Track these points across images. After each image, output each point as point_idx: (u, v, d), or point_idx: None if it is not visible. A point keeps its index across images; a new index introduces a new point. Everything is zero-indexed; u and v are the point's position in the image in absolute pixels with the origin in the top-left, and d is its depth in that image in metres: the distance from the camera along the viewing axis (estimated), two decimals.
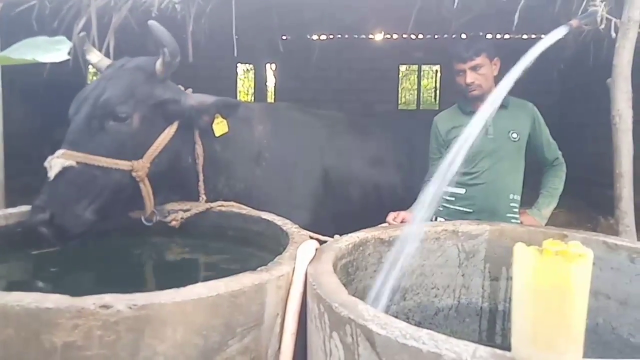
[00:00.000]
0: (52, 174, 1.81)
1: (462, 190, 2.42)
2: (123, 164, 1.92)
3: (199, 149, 2.17)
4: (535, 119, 2.43)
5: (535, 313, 0.99)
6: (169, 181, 2.12)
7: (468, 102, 2.46)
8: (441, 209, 2.44)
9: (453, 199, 2.42)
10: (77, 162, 1.84)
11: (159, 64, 2.03)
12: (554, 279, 0.96)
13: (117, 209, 2.00)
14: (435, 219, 2.37)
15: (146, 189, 1.98)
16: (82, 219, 1.84)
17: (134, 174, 1.94)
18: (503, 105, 2.37)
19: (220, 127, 2.18)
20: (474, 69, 2.33)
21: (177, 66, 2.05)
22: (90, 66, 2.48)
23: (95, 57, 2.28)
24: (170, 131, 2.06)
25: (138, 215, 2.06)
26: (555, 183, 2.44)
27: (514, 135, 2.36)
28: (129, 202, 2.01)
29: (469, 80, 2.33)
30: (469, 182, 2.39)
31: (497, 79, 2.36)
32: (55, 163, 1.82)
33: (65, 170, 1.82)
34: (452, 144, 2.42)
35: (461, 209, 2.42)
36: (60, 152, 1.85)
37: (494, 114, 2.34)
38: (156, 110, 2.04)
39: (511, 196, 2.38)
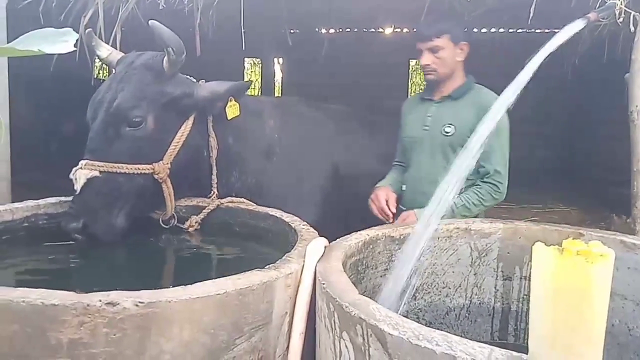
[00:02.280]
0: (78, 187, 1.86)
1: (404, 187, 2.30)
2: (144, 168, 1.93)
3: (213, 142, 2.16)
4: (484, 113, 2.00)
5: (554, 315, 0.96)
6: (188, 178, 2.12)
7: (429, 89, 2.31)
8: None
9: (402, 196, 2.29)
10: (100, 172, 1.87)
11: (165, 61, 2.02)
12: (574, 279, 0.93)
13: (142, 211, 2.03)
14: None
15: (168, 190, 2.00)
16: (113, 225, 1.89)
17: (155, 176, 1.95)
18: (449, 96, 2.22)
19: (232, 110, 2.17)
20: (432, 50, 2.16)
21: (183, 62, 2.03)
22: (97, 59, 2.46)
23: (105, 51, 2.26)
24: (187, 127, 2.05)
25: (156, 217, 2.07)
26: (469, 198, 2.06)
27: (447, 129, 2.16)
28: (152, 203, 2.03)
29: (423, 61, 2.18)
30: (406, 178, 2.28)
31: (467, 66, 2.25)
32: (80, 175, 1.86)
33: (90, 181, 1.86)
34: (404, 128, 2.34)
35: (401, 207, 2.27)
36: (82, 162, 1.89)
37: (438, 105, 2.21)
38: (170, 108, 2.03)
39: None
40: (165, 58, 2.00)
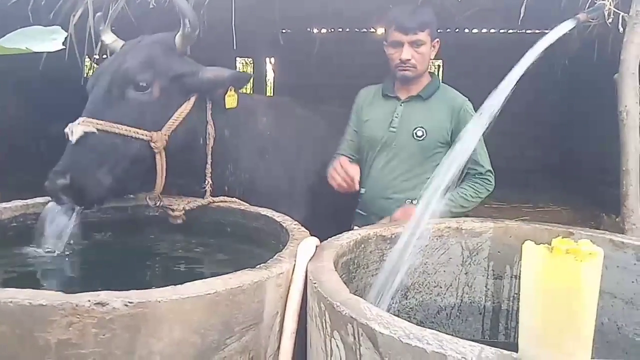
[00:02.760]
0: (73, 139, 1.82)
1: (363, 190, 2.20)
2: (143, 134, 1.92)
3: (211, 129, 2.16)
4: (460, 118, 2.07)
5: (543, 313, 0.96)
6: (181, 161, 2.10)
7: (391, 85, 2.20)
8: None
9: (360, 200, 2.21)
10: (98, 130, 1.85)
11: (178, 36, 2.04)
12: (564, 278, 0.93)
13: (133, 180, 2.01)
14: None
15: (161, 162, 1.98)
16: (101, 185, 1.86)
17: (152, 144, 1.94)
18: (419, 96, 2.13)
19: (231, 100, 2.18)
20: (414, 44, 2.03)
21: (195, 39, 2.06)
22: (87, 59, 2.46)
23: (110, 38, 2.28)
24: (187, 106, 2.06)
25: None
26: (466, 192, 2.07)
27: (419, 132, 2.07)
28: (144, 175, 2.01)
29: (405, 56, 2.03)
30: (365, 181, 2.18)
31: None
32: (77, 129, 1.83)
33: (86, 137, 1.83)
34: (363, 125, 2.25)
35: (359, 211, 2.21)
36: (81, 119, 1.86)
37: (406, 105, 2.13)
38: (175, 83, 2.04)
39: (408, 202, 2.10)
40: (180, 32, 2.02)
